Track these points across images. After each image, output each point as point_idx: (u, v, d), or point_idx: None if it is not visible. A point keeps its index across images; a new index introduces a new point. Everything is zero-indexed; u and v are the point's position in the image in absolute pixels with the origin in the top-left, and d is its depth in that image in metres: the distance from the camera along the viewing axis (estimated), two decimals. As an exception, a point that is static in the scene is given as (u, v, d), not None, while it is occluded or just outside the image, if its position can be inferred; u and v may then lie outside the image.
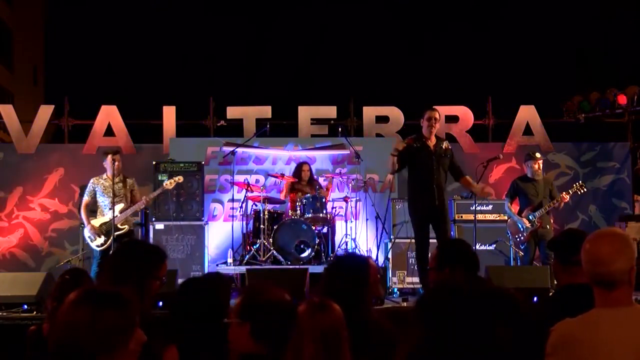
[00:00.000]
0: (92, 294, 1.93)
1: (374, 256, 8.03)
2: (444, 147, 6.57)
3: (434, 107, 6.74)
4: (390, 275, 7.68)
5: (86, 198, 7.01)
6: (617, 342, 2.12)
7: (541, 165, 7.64)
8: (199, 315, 2.71)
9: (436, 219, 6.46)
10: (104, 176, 7.04)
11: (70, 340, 1.84)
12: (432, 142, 6.53)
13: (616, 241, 2.21)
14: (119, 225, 6.88)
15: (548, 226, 7.53)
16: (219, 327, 2.70)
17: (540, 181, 7.61)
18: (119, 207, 6.96)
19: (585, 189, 7.65)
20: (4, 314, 5.81)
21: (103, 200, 6.96)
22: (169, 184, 7.31)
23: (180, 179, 7.39)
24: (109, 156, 7.01)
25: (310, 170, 8.68)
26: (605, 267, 2.18)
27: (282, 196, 8.53)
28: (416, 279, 6.98)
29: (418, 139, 6.57)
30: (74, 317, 1.86)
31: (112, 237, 6.79)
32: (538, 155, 7.62)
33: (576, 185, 7.59)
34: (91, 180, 7.06)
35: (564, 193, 7.48)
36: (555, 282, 3.12)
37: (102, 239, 6.84)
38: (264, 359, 2.30)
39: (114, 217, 6.78)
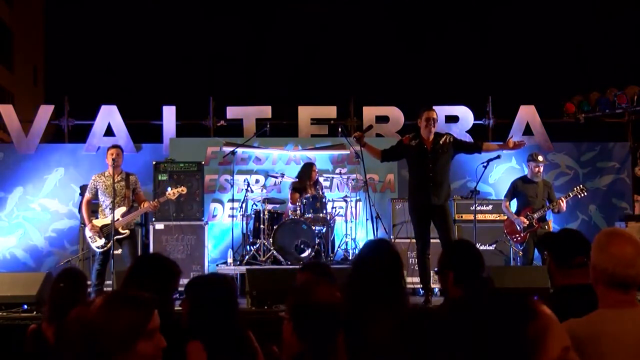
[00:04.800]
0: (112, 297, 1.99)
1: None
2: (441, 142, 6.48)
3: (432, 107, 6.67)
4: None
5: (87, 195, 6.96)
6: (623, 343, 2.11)
7: (542, 169, 7.63)
8: (212, 311, 2.73)
9: (436, 218, 6.45)
10: (106, 173, 6.94)
11: (86, 341, 1.88)
12: (429, 140, 6.48)
13: (636, 243, 2.20)
14: (120, 230, 6.82)
15: (547, 227, 7.53)
16: (234, 321, 2.75)
17: (539, 183, 7.61)
18: (120, 210, 6.85)
19: (585, 193, 7.63)
20: (4, 314, 5.81)
21: (104, 200, 6.91)
22: (171, 194, 7.14)
23: (183, 190, 7.29)
24: (108, 150, 6.96)
25: (317, 170, 8.67)
26: (633, 269, 2.16)
27: (292, 200, 8.43)
28: (417, 279, 6.96)
29: (415, 138, 6.56)
30: (92, 319, 1.91)
31: (112, 241, 6.74)
32: (541, 158, 7.61)
33: (577, 188, 7.57)
34: (92, 177, 6.99)
35: (562, 198, 7.45)
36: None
37: (102, 241, 6.79)
38: (303, 357, 2.29)
39: (113, 219, 6.73)
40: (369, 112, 9.57)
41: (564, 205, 7.44)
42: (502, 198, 8.02)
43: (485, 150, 6.71)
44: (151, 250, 7.98)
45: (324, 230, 8.17)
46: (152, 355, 1.92)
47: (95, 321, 1.90)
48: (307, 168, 8.57)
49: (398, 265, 2.95)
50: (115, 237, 6.75)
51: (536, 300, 1.41)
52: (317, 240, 7.89)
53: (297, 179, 8.56)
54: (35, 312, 5.76)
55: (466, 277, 3.05)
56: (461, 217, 8.32)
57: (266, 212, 8.08)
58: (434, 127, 6.49)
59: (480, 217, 8.09)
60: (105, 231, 6.78)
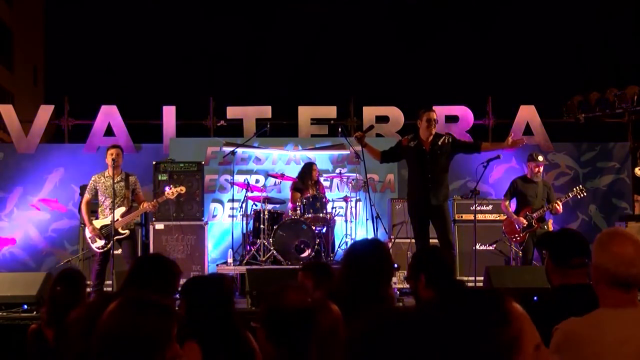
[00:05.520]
0: (132, 304, 1.92)
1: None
2: (440, 143, 6.45)
3: (432, 107, 6.65)
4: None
5: (87, 195, 6.95)
6: (623, 343, 2.12)
7: (541, 169, 7.63)
8: (209, 311, 2.73)
9: (434, 219, 6.46)
10: (106, 174, 6.94)
11: (111, 350, 1.83)
12: (428, 141, 6.46)
13: (637, 243, 2.21)
14: (120, 230, 6.82)
15: (546, 227, 7.53)
16: (230, 322, 2.76)
17: (539, 183, 7.61)
18: (120, 210, 6.85)
19: (585, 194, 7.63)
20: (4, 314, 5.81)
21: (104, 200, 6.91)
22: (170, 193, 7.14)
23: (182, 189, 7.28)
24: (108, 150, 6.95)
25: (318, 170, 8.66)
26: (634, 268, 2.17)
27: (293, 199, 8.41)
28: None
29: (414, 139, 6.55)
30: (115, 327, 1.84)
31: (112, 241, 6.74)
32: (541, 158, 7.60)
33: (576, 189, 7.57)
34: (92, 178, 6.98)
35: (557, 202, 7.43)
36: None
37: (102, 242, 6.79)
38: None
39: (113, 220, 6.73)
40: (369, 112, 9.57)
41: (559, 207, 7.42)
42: (502, 198, 8.02)
43: (484, 150, 6.68)
44: (151, 250, 7.98)
45: (324, 230, 8.17)
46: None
47: (120, 330, 1.84)
48: (308, 168, 8.57)
49: (383, 265, 2.94)
50: (115, 238, 6.76)
51: (507, 298, 1.38)
52: (317, 240, 7.89)
53: (298, 179, 8.56)
54: (35, 312, 5.76)
55: (438, 280, 3.04)
56: (461, 217, 8.32)
57: (266, 212, 8.08)
58: (434, 128, 6.48)
59: (480, 217, 8.09)
60: (105, 232, 6.78)
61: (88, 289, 5.81)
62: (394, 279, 7.72)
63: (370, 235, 8.25)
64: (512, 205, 7.79)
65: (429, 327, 1.31)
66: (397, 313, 1.42)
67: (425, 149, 6.43)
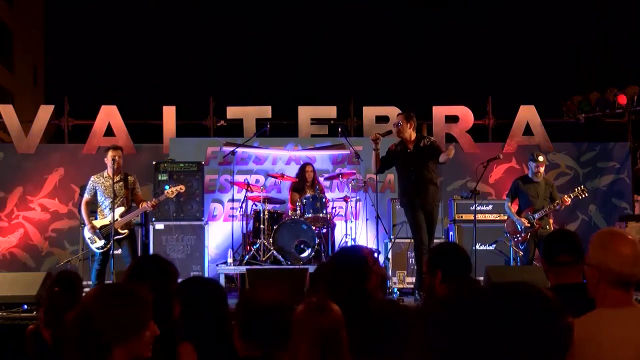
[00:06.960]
0: (105, 290, 2.08)
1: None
2: (422, 144, 6.61)
3: (402, 112, 6.92)
4: (390, 275, 7.68)
5: (86, 196, 6.96)
6: (622, 343, 2.12)
7: (542, 169, 7.61)
8: (205, 312, 2.74)
9: (426, 218, 6.53)
10: (105, 174, 6.93)
11: (85, 332, 1.92)
12: (411, 143, 6.61)
13: (635, 242, 2.23)
14: (119, 230, 6.82)
15: (548, 227, 7.52)
16: (226, 322, 2.75)
17: (541, 182, 7.60)
18: (119, 210, 6.85)
19: (586, 194, 7.60)
20: (4, 314, 5.81)
21: (103, 201, 6.91)
22: (170, 192, 7.14)
23: (182, 188, 7.28)
24: (110, 152, 6.93)
25: (314, 170, 8.66)
26: (638, 267, 2.19)
27: (291, 200, 8.43)
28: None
29: (399, 143, 6.72)
30: (88, 311, 1.96)
31: (111, 241, 6.74)
32: (541, 159, 7.58)
33: (578, 189, 7.55)
34: (91, 178, 6.98)
35: (566, 196, 7.45)
36: None
37: (102, 242, 6.78)
38: None
39: (113, 220, 6.73)
40: (369, 112, 9.57)
41: (569, 201, 7.39)
42: (502, 198, 8.03)
43: (441, 160, 6.59)
44: (151, 250, 7.99)
45: (324, 230, 8.17)
46: (147, 342, 2.00)
47: (98, 316, 1.93)
48: (301, 169, 8.61)
49: (360, 273, 2.94)
50: (114, 237, 6.76)
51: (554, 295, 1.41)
52: (317, 240, 7.89)
53: (297, 180, 8.58)
54: (35, 312, 5.76)
55: (454, 276, 3.05)
56: (461, 217, 8.32)
57: (266, 212, 8.08)
58: (400, 130, 6.62)
59: (480, 217, 8.09)
60: (104, 232, 6.78)
61: (87, 289, 5.82)
62: (394, 279, 7.74)
63: (372, 235, 8.28)
64: (515, 205, 7.78)
65: (497, 308, 1.32)
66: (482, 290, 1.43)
67: (409, 151, 6.60)
